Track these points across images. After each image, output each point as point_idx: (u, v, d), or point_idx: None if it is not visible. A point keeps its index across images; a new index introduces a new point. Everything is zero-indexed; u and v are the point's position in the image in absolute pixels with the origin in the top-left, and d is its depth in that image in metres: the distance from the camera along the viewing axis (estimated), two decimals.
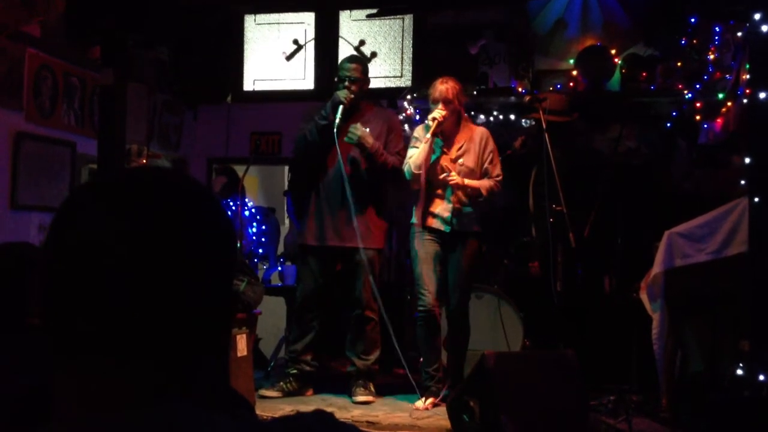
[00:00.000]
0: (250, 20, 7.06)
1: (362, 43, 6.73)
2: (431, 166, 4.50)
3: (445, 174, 4.45)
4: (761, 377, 3.73)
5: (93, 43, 5.74)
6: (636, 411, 4.22)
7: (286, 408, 4.37)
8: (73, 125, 5.69)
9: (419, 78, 6.49)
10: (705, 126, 5.30)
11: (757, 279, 3.88)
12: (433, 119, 4.41)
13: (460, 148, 4.56)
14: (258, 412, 3.88)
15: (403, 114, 6.20)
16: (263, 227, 6.47)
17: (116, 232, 0.79)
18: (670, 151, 5.74)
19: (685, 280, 4.30)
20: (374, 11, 6.55)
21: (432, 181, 4.53)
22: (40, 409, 1.24)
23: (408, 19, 6.67)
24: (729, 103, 4.94)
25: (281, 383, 4.78)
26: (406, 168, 4.54)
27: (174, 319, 0.79)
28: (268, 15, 6.99)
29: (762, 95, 3.94)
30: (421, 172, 4.45)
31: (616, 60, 5.92)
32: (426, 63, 6.54)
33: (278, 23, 6.99)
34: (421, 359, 4.63)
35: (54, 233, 0.82)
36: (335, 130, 4.55)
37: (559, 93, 5.79)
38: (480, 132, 4.63)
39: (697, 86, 5.42)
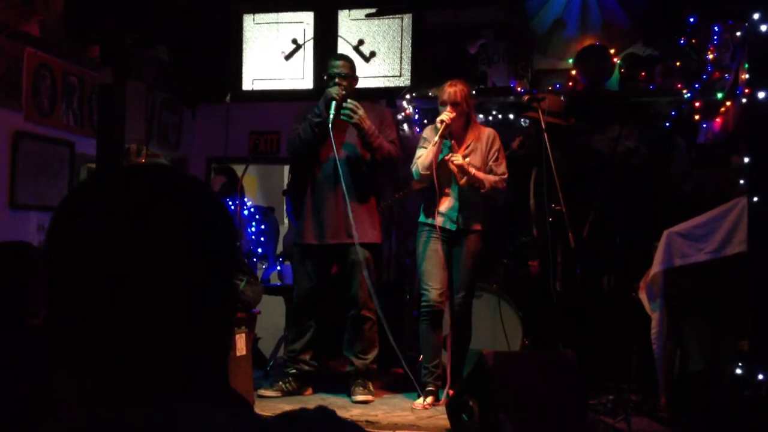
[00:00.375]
0: (249, 20, 7.05)
1: (361, 42, 6.72)
2: (439, 166, 4.57)
3: (448, 156, 4.51)
4: (760, 376, 3.73)
5: (92, 42, 5.73)
6: (635, 410, 4.22)
7: (285, 407, 4.31)
8: (72, 124, 5.68)
9: (418, 77, 6.49)
10: (704, 125, 5.31)
11: (756, 278, 3.88)
12: (441, 122, 4.48)
13: (467, 147, 4.63)
14: (257, 411, 3.87)
15: (402, 114, 6.20)
16: (262, 227, 6.47)
17: (115, 231, 0.79)
18: (669, 150, 5.74)
19: (684, 280, 4.30)
20: (373, 11, 6.54)
21: (440, 181, 4.59)
22: (40, 409, 1.24)
23: (407, 18, 6.67)
24: (728, 103, 4.94)
25: (280, 383, 4.78)
26: (414, 168, 4.63)
27: (173, 319, 0.79)
28: (267, 14, 6.98)
29: (761, 95, 3.94)
30: (429, 172, 4.53)
31: (615, 59, 5.93)
32: (425, 62, 6.54)
33: (277, 23, 6.98)
34: (421, 356, 4.64)
35: (53, 232, 0.82)
36: (329, 126, 4.57)
37: (559, 93, 5.79)
38: (487, 132, 4.69)
39: (696, 86, 5.42)
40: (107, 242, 0.78)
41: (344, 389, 4.77)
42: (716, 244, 4.16)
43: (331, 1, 6.77)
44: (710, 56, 5.32)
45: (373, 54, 6.69)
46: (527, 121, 6.01)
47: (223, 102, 6.93)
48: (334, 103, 4.58)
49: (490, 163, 4.62)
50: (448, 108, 4.53)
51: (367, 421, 4.06)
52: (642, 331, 4.46)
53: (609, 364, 4.70)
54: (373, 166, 4.76)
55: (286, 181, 6.87)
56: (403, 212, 6.16)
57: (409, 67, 6.65)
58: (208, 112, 7.12)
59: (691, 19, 5.50)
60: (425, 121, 6.24)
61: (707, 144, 5.30)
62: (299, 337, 4.81)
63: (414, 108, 6.27)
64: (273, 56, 6.96)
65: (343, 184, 4.60)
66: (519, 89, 5.96)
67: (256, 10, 6.94)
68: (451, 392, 4.32)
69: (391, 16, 6.64)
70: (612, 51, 5.92)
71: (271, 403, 4.47)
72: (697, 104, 5.41)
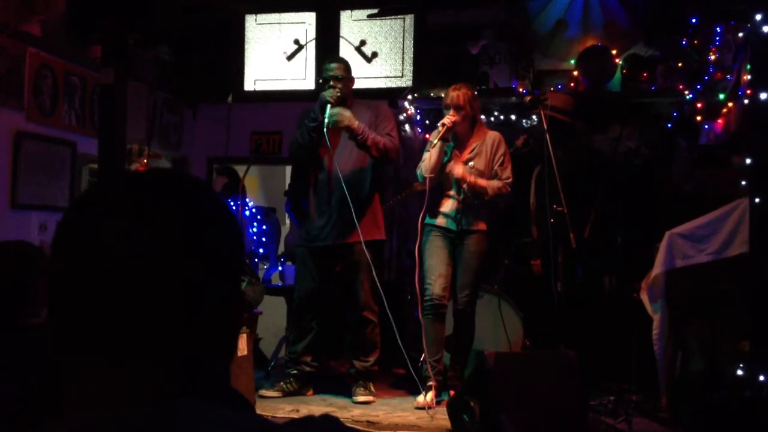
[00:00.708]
0: (251, 20, 7.06)
1: (363, 43, 6.73)
2: (442, 169, 4.61)
3: (451, 164, 4.56)
4: (761, 377, 3.73)
5: (93, 42, 5.74)
6: (636, 411, 4.22)
7: (286, 407, 4.37)
8: (73, 124, 5.69)
9: (420, 78, 6.49)
10: (706, 126, 5.30)
11: (758, 280, 3.88)
12: (442, 125, 4.53)
13: (471, 151, 4.66)
14: (258, 411, 3.88)
15: (404, 114, 6.20)
16: (264, 227, 6.47)
17: (116, 231, 0.79)
18: (670, 151, 5.74)
19: (685, 281, 4.30)
20: (375, 11, 6.55)
21: (443, 183, 4.64)
22: (40, 409, 1.24)
23: (409, 19, 6.68)
24: (730, 104, 4.94)
25: (281, 383, 4.78)
26: (419, 171, 4.67)
27: (173, 319, 0.79)
28: (269, 15, 6.99)
29: (763, 96, 3.94)
30: (432, 175, 4.56)
31: (616, 60, 5.92)
32: (427, 63, 6.55)
33: (279, 23, 6.99)
34: (424, 352, 4.66)
35: (58, 234, 0.83)
36: (325, 129, 4.57)
37: (563, 93, 5.78)
38: (492, 136, 4.71)
39: (698, 87, 5.42)
40: (108, 242, 0.78)
41: (345, 390, 4.77)
42: (718, 246, 4.16)
43: (333, 2, 6.77)
44: (712, 57, 5.32)
45: (375, 54, 6.70)
46: (529, 121, 6.01)
47: (224, 102, 6.93)
48: (329, 106, 4.58)
49: (496, 167, 4.64)
50: (451, 111, 4.56)
51: (368, 422, 4.07)
52: (643, 332, 4.46)
53: (610, 364, 4.70)
54: (372, 164, 4.76)
55: (287, 181, 6.87)
56: (405, 213, 6.16)
57: (411, 68, 6.66)
58: (210, 113, 7.12)
59: (693, 20, 5.50)
60: (427, 122, 6.24)
61: (709, 145, 5.30)
62: (300, 338, 4.81)
63: (416, 109, 6.28)
64: (275, 56, 6.97)
65: (344, 185, 4.60)
66: (521, 90, 5.96)
67: (258, 10, 6.95)
68: (452, 392, 4.32)
69: (392, 17, 6.65)
70: (614, 52, 5.92)
71: (272, 404, 4.48)
72: (698, 105, 5.40)
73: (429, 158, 4.58)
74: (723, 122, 5.08)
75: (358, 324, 4.73)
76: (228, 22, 6.99)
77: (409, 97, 6.22)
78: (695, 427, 4.11)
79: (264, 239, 6.45)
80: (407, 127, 6.30)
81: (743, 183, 4.25)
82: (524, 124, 6.08)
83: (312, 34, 6.91)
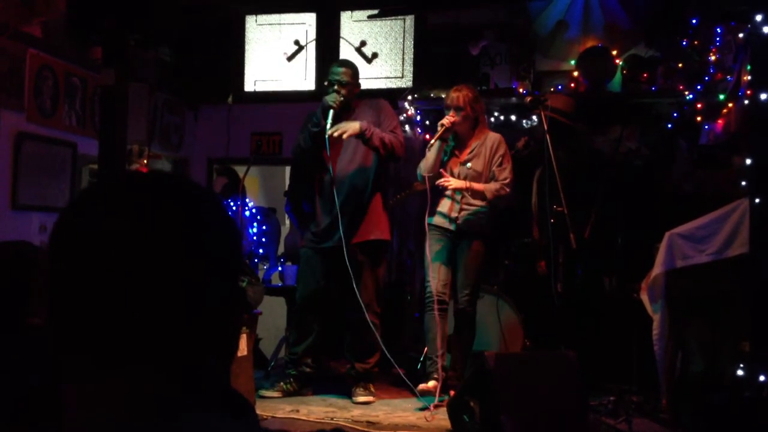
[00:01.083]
0: (251, 21, 7.07)
1: (363, 43, 6.73)
2: (442, 167, 4.65)
3: (440, 180, 4.59)
4: (761, 378, 3.73)
5: (94, 44, 5.75)
6: (636, 411, 4.22)
7: (286, 408, 4.37)
8: (74, 125, 5.69)
9: (420, 79, 6.49)
10: (706, 127, 5.30)
11: (758, 280, 3.88)
12: (441, 125, 4.56)
13: (471, 152, 4.69)
14: (258, 411, 3.88)
15: (404, 115, 6.20)
16: (264, 227, 6.47)
17: (115, 232, 0.79)
18: (671, 152, 5.73)
19: (685, 281, 4.30)
20: (375, 12, 6.55)
21: (440, 184, 4.64)
22: (40, 409, 1.24)
23: (409, 19, 6.68)
24: (730, 104, 4.94)
25: (281, 383, 4.78)
26: (419, 171, 4.69)
27: (173, 320, 0.79)
28: (269, 15, 7.00)
29: (763, 96, 3.94)
30: (432, 175, 4.58)
31: (617, 61, 5.92)
32: (427, 64, 6.55)
33: (279, 24, 7.00)
34: (426, 348, 4.67)
35: (56, 234, 0.83)
36: (326, 135, 4.55)
37: (564, 95, 5.78)
38: (492, 137, 4.74)
39: (698, 87, 5.41)
40: (108, 243, 0.78)
41: (345, 390, 4.76)
42: (718, 246, 4.16)
43: (333, 3, 6.78)
44: (712, 58, 5.32)
45: (375, 55, 6.70)
46: (529, 122, 6.01)
47: (225, 103, 6.94)
48: (331, 111, 4.56)
49: (494, 168, 4.65)
50: (451, 112, 4.59)
51: (368, 422, 4.06)
52: (643, 332, 4.46)
53: (610, 365, 4.70)
54: (375, 166, 4.76)
55: (287, 182, 6.87)
56: (405, 213, 6.16)
57: (411, 68, 6.66)
58: (210, 113, 7.12)
59: (694, 21, 5.50)
60: (427, 122, 6.24)
61: (709, 145, 5.29)
62: (301, 340, 4.80)
63: (416, 109, 6.28)
64: (275, 57, 6.97)
65: (347, 188, 4.60)
66: (521, 90, 5.96)
67: (258, 11, 6.95)
68: (452, 393, 4.31)
69: (393, 18, 6.65)
70: (614, 52, 5.92)
71: (272, 404, 4.48)
72: (699, 106, 5.40)
73: (427, 159, 4.62)
74: (723, 123, 5.07)
75: (361, 325, 4.71)
76: (228, 23, 7.00)
77: (410, 97, 6.22)
78: (695, 427, 4.11)
79: (264, 239, 6.45)
80: (407, 127, 6.29)
81: (743, 183, 4.25)
82: (525, 124, 6.08)
83: (312, 34, 6.91)
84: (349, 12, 6.79)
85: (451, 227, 4.65)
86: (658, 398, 4.40)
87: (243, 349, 4.23)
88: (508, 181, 4.63)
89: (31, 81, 5.23)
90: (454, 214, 4.65)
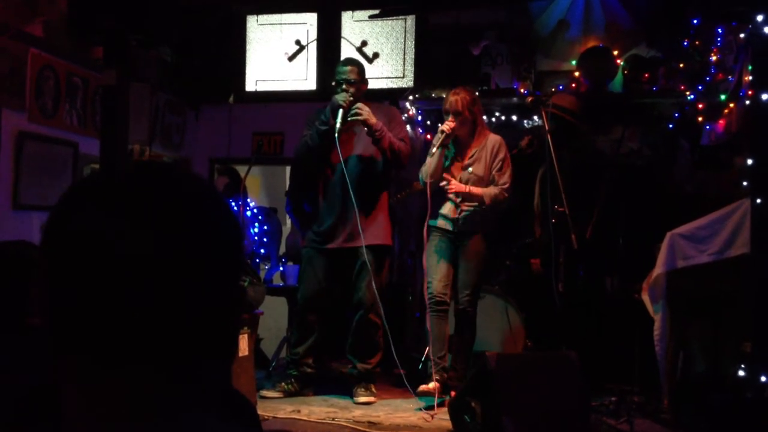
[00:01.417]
0: (252, 21, 7.07)
1: (364, 43, 6.72)
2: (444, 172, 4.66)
3: (443, 183, 4.59)
4: (763, 378, 3.72)
5: (95, 43, 5.74)
6: (637, 412, 4.22)
7: (287, 408, 4.37)
8: (75, 125, 5.69)
9: (421, 79, 6.49)
10: (707, 127, 5.29)
11: (759, 280, 3.87)
12: (442, 132, 4.55)
13: (471, 156, 4.68)
14: (259, 412, 3.87)
15: (405, 115, 6.20)
16: (265, 227, 6.47)
17: (114, 230, 0.78)
18: (672, 152, 5.73)
19: (687, 282, 4.30)
20: (376, 12, 6.55)
21: (444, 186, 4.65)
22: (40, 409, 1.24)
23: (410, 19, 6.67)
24: (731, 105, 4.93)
25: (282, 384, 4.78)
26: (420, 175, 4.70)
27: (174, 319, 0.78)
28: (270, 15, 7.00)
29: (764, 96, 3.94)
30: (433, 180, 4.59)
31: (618, 61, 5.92)
32: (428, 64, 6.55)
33: (280, 24, 6.99)
34: (428, 348, 4.67)
35: (51, 231, 0.81)
36: (336, 133, 4.54)
37: (568, 95, 5.78)
38: (492, 140, 4.72)
39: (700, 87, 5.41)
40: (106, 240, 0.77)
41: (346, 390, 4.76)
42: (719, 246, 4.16)
43: (334, 3, 6.77)
44: (713, 58, 5.31)
45: (376, 55, 6.69)
46: (530, 122, 6.01)
47: (226, 103, 6.94)
48: (341, 110, 4.56)
49: (494, 172, 4.65)
50: (450, 117, 4.57)
51: (369, 422, 4.07)
52: (645, 333, 4.45)
53: (612, 365, 4.70)
54: (382, 169, 4.76)
55: (287, 182, 6.87)
56: (405, 213, 6.16)
57: (412, 69, 6.65)
58: (212, 113, 7.12)
59: (695, 21, 5.50)
60: (428, 123, 6.25)
61: (710, 145, 5.29)
62: (302, 340, 4.80)
63: (417, 109, 6.28)
64: (276, 57, 6.97)
65: (352, 189, 4.59)
66: (522, 91, 5.96)
67: (259, 11, 6.95)
68: (453, 393, 4.31)
69: (394, 18, 6.64)
70: (615, 52, 5.92)
71: (273, 404, 4.48)
72: (700, 106, 5.39)
73: (429, 164, 4.60)
74: (724, 123, 5.07)
75: (363, 326, 4.71)
76: (229, 23, 6.99)
77: (411, 97, 6.22)
78: (697, 428, 4.10)
79: (265, 239, 6.45)
80: (408, 127, 6.30)
81: (744, 184, 4.25)
82: (526, 125, 6.08)
83: (313, 34, 6.90)
84: (350, 12, 6.78)
85: (452, 228, 4.67)
86: (660, 399, 4.40)
87: (244, 349, 4.23)
88: (507, 186, 4.63)
89: (32, 81, 5.22)
90: (454, 216, 4.66)
